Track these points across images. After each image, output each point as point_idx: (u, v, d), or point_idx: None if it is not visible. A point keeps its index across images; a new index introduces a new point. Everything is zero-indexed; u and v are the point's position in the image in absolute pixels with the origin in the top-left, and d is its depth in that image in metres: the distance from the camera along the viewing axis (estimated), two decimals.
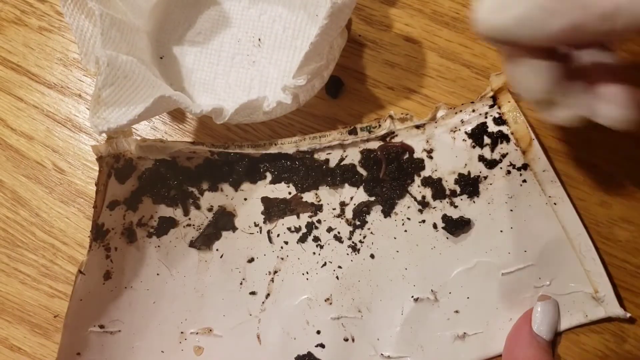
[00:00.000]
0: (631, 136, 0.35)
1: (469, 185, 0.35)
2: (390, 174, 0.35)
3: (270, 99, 0.33)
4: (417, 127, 0.35)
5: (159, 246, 0.36)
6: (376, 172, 0.35)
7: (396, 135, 0.35)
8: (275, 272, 0.36)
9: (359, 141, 0.35)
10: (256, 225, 0.36)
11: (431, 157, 0.35)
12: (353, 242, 0.35)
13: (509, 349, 0.33)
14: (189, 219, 0.36)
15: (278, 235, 0.36)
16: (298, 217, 0.36)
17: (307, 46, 0.29)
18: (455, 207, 0.35)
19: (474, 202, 0.35)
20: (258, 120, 0.34)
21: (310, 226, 0.36)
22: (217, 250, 0.36)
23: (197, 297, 0.36)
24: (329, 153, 0.36)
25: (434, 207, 0.35)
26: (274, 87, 0.35)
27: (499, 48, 0.25)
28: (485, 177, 0.35)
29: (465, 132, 0.35)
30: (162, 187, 0.36)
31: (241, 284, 0.36)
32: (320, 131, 0.36)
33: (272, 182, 0.36)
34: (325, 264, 0.35)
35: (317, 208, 0.36)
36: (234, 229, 0.36)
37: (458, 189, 0.35)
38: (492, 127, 0.35)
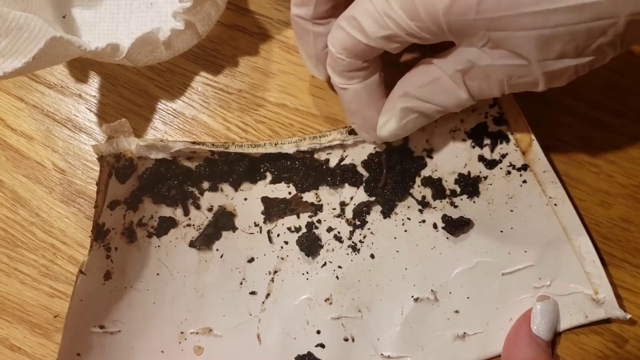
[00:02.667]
0: (631, 136, 0.35)
1: (469, 185, 0.35)
2: (393, 177, 0.35)
3: (164, 29, 0.34)
4: None
5: (159, 246, 0.36)
6: (378, 176, 0.35)
7: None
8: (275, 272, 0.36)
9: (360, 141, 0.35)
10: (256, 225, 0.36)
11: (431, 157, 0.35)
12: (353, 242, 0.35)
13: (507, 349, 0.33)
14: (189, 219, 0.36)
15: (278, 235, 0.36)
16: (298, 217, 0.36)
17: None
18: (455, 207, 0.35)
19: (474, 202, 0.35)
20: (163, 57, 0.35)
21: (310, 226, 0.36)
22: (217, 250, 0.36)
23: (197, 297, 0.36)
24: (329, 153, 0.36)
25: (434, 207, 0.35)
26: (173, 26, 0.35)
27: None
28: (485, 177, 0.35)
29: (465, 132, 0.35)
30: (162, 187, 0.36)
31: (241, 284, 0.36)
32: (320, 131, 0.36)
33: (272, 182, 0.36)
34: (325, 263, 0.35)
35: (317, 208, 0.36)
36: (234, 229, 0.36)
37: (458, 189, 0.35)
38: (492, 127, 0.35)
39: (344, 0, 0.29)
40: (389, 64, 0.32)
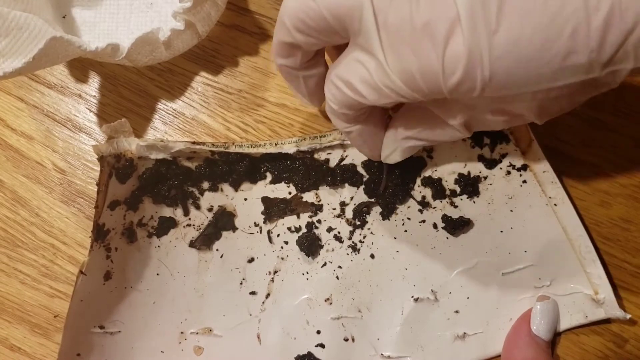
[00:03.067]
0: (631, 136, 0.35)
1: (469, 185, 0.35)
2: (393, 180, 0.35)
3: (164, 29, 0.34)
4: None
5: (159, 246, 0.36)
6: (378, 179, 0.35)
7: None
8: (275, 272, 0.36)
9: None
10: (256, 225, 0.36)
11: (431, 157, 0.35)
12: (353, 242, 0.35)
13: (507, 349, 0.33)
14: (189, 219, 0.36)
15: (278, 235, 0.36)
16: (298, 217, 0.36)
17: None
18: (455, 207, 0.35)
19: (473, 202, 0.35)
20: (163, 57, 0.35)
21: (310, 226, 0.36)
22: (217, 250, 0.36)
23: (197, 297, 0.36)
24: (329, 153, 0.36)
25: (434, 207, 0.35)
26: (173, 26, 0.35)
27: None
28: (485, 177, 0.35)
29: None
30: (163, 187, 0.36)
31: (241, 284, 0.36)
32: (321, 131, 0.36)
33: (272, 182, 0.36)
34: (325, 263, 0.35)
35: (317, 208, 0.36)
36: (234, 229, 0.36)
37: (458, 189, 0.35)
38: None
39: (328, 42, 0.28)
40: None
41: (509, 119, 0.27)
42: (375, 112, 0.30)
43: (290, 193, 0.36)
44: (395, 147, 0.31)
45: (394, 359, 0.34)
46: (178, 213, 0.36)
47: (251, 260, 0.36)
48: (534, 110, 0.25)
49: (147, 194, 0.36)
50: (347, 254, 0.35)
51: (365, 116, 0.29)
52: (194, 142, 0.34)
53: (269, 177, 0.36)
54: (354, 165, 0.36)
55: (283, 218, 0.36)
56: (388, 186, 0.35)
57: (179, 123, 0.37)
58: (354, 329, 0.35)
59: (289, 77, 0.30)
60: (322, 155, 0.36)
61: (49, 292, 0.36)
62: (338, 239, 0.36)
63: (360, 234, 0.35)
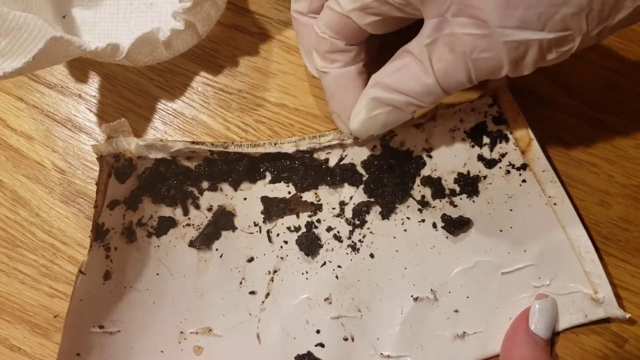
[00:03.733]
0: (631, 136, 0.35)
1: (469, 185, 0.35)
2: (393, 179, 0.35)
3: (164, 29, 0.34)
4: (417, 126, 0.35)
5: (158, 246, 0.36)
6: (377, 179, 0.35)
7: (395, 135, 0.35)
8: (275, 271, 0.36)
9: None
10: (256, 224, 0.36)
11: (430, 157, 0.35)
12: (352, 242, 0.35)
13: (506, 347, 0.33)
14: (189, 218, 0.36)
15: (277, 235, 0.36)
16: (298, 216, 0.36)
17: None
18: (455, 206, 0.35)
19: (473, 201, 0.35)
20: (163, 57, 0.35)
21: (309, 226, 0.36)
22: (216, 250, 0.36)
23: (196, 297, 0.36)
24: (329, 152, 0.36)
25: (434, 207, 0.35)
26: (173, 26, 0.35)
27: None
28: (485, 177, 0.35)
29: (465, 132, 0.35)
30: (162, 186, 0.36)
31: (241, 283, 0.36)
32: (320, 131, 0.36)
33: (272, 181, 0.36)
34: (324, 263, 0.35)
35: (316, 207, 0.36)
36: (234, 228, 0.36)
37: (457, 189, 0.35)
38: (492, 127, 0.35)
39: None
40: (376, 62, 0.32)
41: (474, 41, 0.26)
42: (358, 64, 0.31)
43: (289, 193, 0.36)
44: (364, 100, 0.30)
45: (394, 359, 0.34)
46: (177, 213, 0.36)
47: (251, 259, 0.36)
48: (495, 14, 0.24)
49: (146, 194, 0.36)
50: (347, 253, 0.35)
51: (347, 57, 0.31)
52: (193, 142, 0.35)
53: (269, 176, 0.36)
54: (353, 165, 0.36)
55: (282, 218, 0.36)
56: (387, 185, 0.35)
57: (179, 123, 0.38)
58: (353, 328, 0.35)
59: (298, 27, 0.33)
60: (321, 155, 0.36)
61: (48, 292, 0.36)
62: (337, 238, 0.36)
63: (359, 234, 0.35)
